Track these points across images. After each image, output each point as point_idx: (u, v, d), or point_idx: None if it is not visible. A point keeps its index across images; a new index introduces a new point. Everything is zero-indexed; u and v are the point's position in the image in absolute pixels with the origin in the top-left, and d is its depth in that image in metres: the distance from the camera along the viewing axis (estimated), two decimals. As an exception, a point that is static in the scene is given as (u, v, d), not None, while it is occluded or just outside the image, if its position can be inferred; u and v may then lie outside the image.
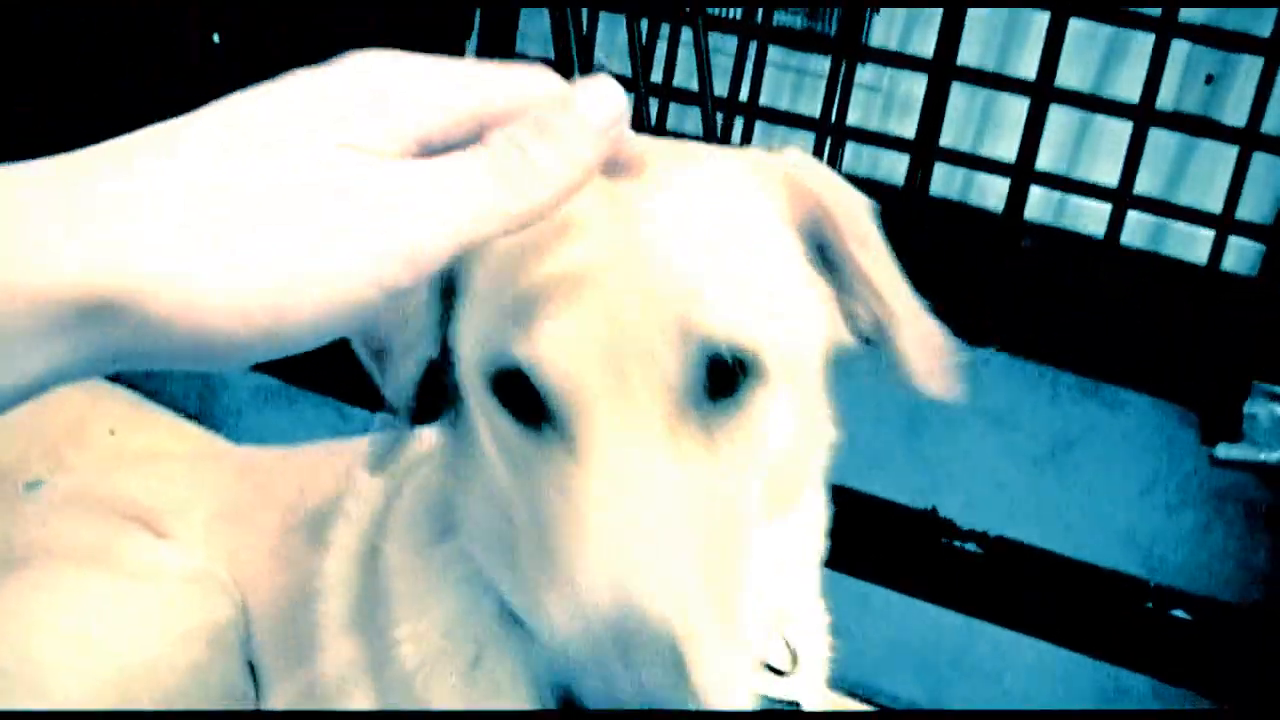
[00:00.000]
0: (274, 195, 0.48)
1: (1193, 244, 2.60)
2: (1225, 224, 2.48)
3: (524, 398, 0.69)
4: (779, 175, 0.78)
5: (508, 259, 0.69)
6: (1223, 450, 2.40)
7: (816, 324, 0.79)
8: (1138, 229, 2.66)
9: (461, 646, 0.95)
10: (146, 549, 1.22)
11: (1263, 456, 2.38)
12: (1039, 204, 2.71)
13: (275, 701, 1.16)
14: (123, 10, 2.40)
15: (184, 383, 2.23)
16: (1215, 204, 2.49)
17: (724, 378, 0.69)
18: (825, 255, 0.79)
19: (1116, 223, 2.56)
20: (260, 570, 1.21)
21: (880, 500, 1.36)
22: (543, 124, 0.55)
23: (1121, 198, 2.53)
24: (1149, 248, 2.69)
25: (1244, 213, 2.47)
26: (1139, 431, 2.48)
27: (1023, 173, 2.59)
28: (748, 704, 0.66)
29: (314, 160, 0.49)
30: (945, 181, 2.78)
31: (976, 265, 2.68)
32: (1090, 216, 2.67)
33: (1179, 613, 1.20)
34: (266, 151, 0.48)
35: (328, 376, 1.84)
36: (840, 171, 2.72)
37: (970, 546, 1.23)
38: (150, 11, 2.45)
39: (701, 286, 0.68)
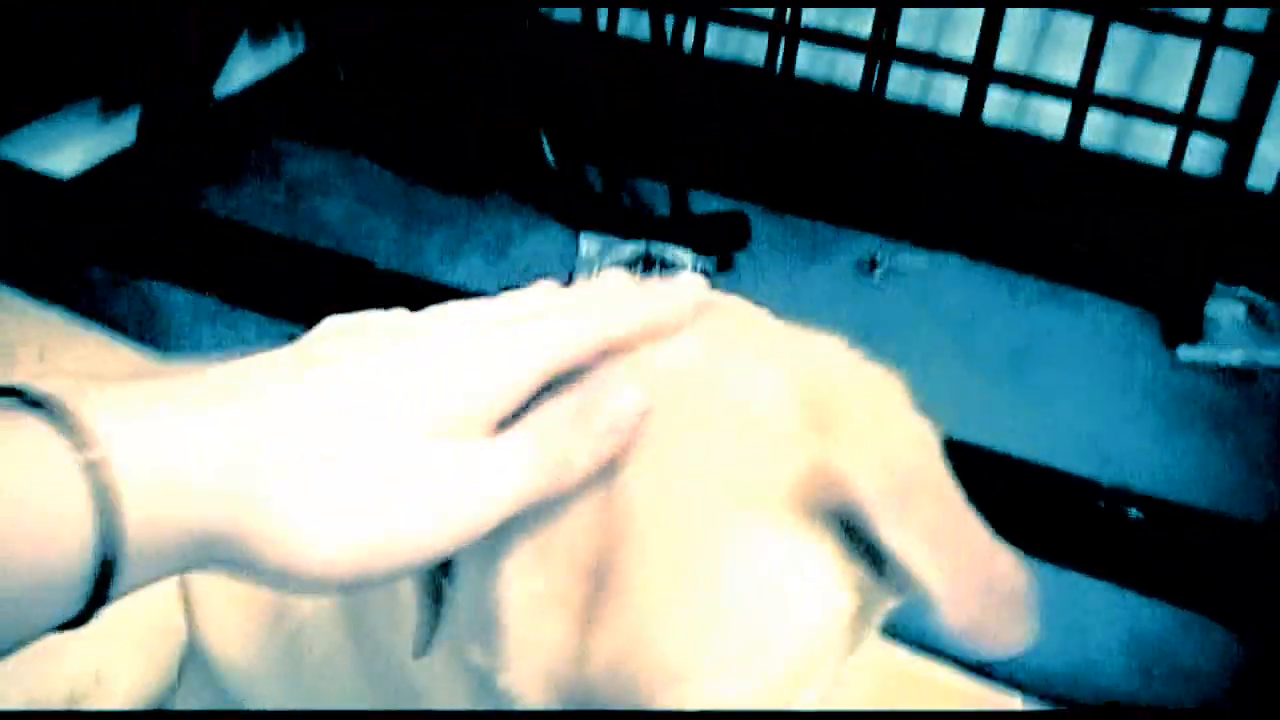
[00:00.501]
0: (368, 472, 0.57)
1: (1155, 145, 2.56)
2: (1187, 121, 2.45)
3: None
4: (797, 445, 0.63)
5: (491, 563, 0.64)
6: (1184, 352, 2.39)
7: (826, 632, 0.65)
8: (1100, 130, 2.63)
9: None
10: None
11: (1224, 358, 2.38)
12: (998, 106, 2.67)
13: (228, 628, 1.13)
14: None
15: (123, 304, 2.19)
16: (1178, 103, 2.47)
17: None
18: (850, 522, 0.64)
19: (1077, 122, 2.53)
20: None
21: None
22: (579, 413, 0.61)
23: (1082, 96, 2.49)
24: (1111, 148, 2.67)
25: (1207, 109, 2.44)
26: (1100, 335, 2.46)
27: (982, 73, 2.55)
28: None
29: (385, 436, 0.57)
30: (904, 83, 2.73)
31: (934, 168, 2.66)
32: (1051, 119, 2.63)
33: (1132, 512, 1.18)
34: (364, 432, 0.57)
35: (270, 294, 1.79)
36: (794, 75, 2.72)
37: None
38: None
39: (681, 660, 0.60)
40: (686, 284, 0.68)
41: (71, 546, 0.50)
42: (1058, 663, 1.66)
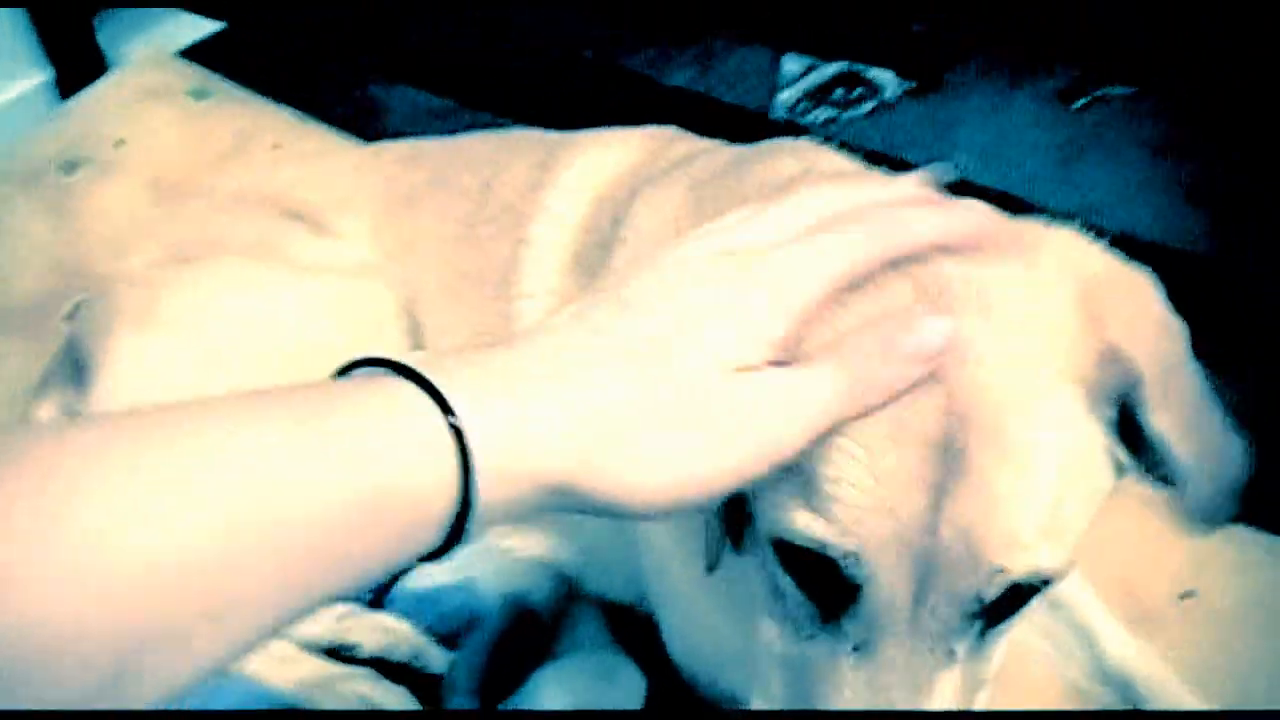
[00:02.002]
0: (670, 410, 0.64)
1: None
2: None
3: (815, 573, 0.71)
4: (1082, 332, 0.71)
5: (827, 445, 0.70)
6: None
7: (1099, 505, 0.74)
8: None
9: None
10: (310, 245, 1.25)
11: None
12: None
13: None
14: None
15: (343, 104, 2.28)
16: None
17: (1014, 599, 0.70)
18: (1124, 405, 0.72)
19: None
20: (438, 257, 1.23)
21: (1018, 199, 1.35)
22: (886, 343, 0.67)
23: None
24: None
25: None
26: None
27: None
28: None
29: (695, 379, 0.64)
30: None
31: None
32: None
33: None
34: (660, 373, 0.64)
35: (488, 92, 1.85)
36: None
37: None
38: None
39: (1023, 530, 0.67)
40: (974, 205, 0.74)
41: (437, 493, 0.58)
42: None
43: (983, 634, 0.72)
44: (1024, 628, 1.13)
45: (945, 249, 0.71)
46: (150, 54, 1.95)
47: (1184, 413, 0.72)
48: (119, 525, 0.50)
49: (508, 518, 0.63)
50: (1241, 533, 1.32)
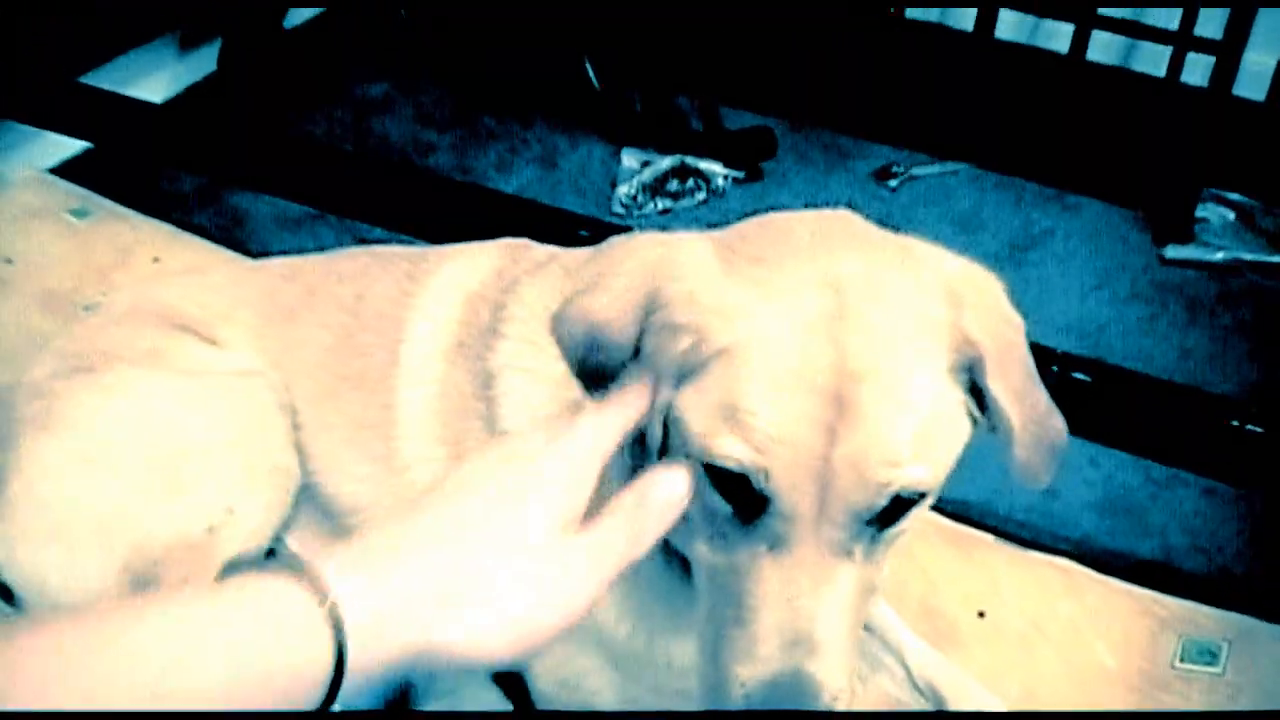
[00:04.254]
0: (505, 581, 0.79)
1: (1162, 61, 2.68)
2: (1182, 39, 2.60)
3: (736, 487, 0.88)
4: (946, 319, 0.91)
5: (748, 371, 0.88)
6: (1171, 250, 2.55)
7: (962, 443, 0.94)
8: (1109, 48, 2.77)
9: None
10: (197, 353, 1.35)
11: (1211, 256, 2.54)
12: (1011, 26, 2.82)
13: (341, 468, 1.31)
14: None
15: (210, 215, 2.39)
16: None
17: (896, 509, 0.88)
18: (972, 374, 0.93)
19: (1081, 39, 2.67)
20: (317, 363, 1.32)
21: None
22: (641, 499, 0.87)
23: (1086, 17, 2.65)
24: (1119, 64, 2.81)
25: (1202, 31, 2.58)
26: (1095, 234, 2.61)
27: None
28: None
29: (523, 546, 0.81)
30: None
31: (949, 83, 2.81)
32: (1063, 38, 2.74)
33: (1080, 375, 1.39)
34: (490, 552, 0.80)
35: (347, 200, 1.97)
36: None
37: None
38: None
39: (900, 454, 0.86)
40: None
41: (316, 664, 0.72)
42: (1035, 515, 1.88)
43: (875, 537, 0.90)
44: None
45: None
46: (30, 175, 2.04)
47: (1015, 385, 0.92)
48: (80, 703, 0.66)
49: (376, 679, 0.76)
50: (1028, 556, 1.50)
